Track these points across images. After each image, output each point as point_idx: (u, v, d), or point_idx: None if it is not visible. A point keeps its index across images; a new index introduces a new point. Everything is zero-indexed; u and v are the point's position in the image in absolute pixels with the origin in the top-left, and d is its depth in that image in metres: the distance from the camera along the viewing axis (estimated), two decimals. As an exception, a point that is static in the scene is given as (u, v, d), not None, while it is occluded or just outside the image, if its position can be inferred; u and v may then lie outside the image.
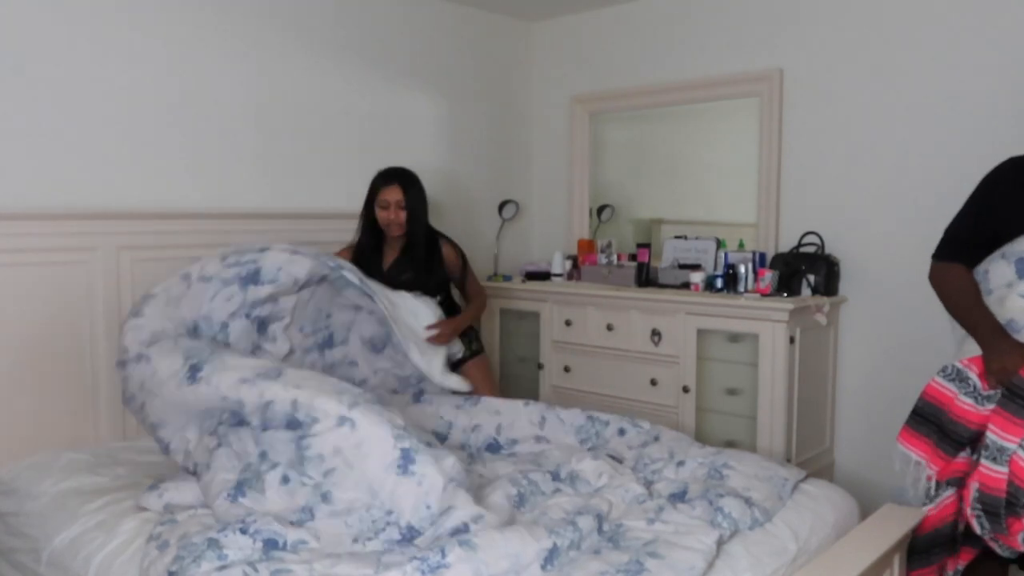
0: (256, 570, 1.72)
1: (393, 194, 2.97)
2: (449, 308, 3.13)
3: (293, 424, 2.07)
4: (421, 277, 3.04)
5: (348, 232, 3.40)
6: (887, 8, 3.15)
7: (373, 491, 1.97)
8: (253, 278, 2.52)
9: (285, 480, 2.01)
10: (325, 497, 1.98)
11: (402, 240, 3.06)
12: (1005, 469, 1.97)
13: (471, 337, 3.27)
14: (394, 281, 3.00)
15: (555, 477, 2.32)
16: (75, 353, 2.67)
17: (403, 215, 2.98)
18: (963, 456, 2.13)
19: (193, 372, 2.21)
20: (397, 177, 3.00)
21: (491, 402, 2.84)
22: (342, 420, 2.03)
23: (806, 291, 3.20)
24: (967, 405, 2.09)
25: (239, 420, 2.18)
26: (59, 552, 2.05)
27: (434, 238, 3.10)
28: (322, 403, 2.06)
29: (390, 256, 3.10)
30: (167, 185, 2.92)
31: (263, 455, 2.08)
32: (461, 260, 3.15)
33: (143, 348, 2.34)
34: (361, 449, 2.01)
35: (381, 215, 2.99)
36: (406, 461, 1.99)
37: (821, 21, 3.32)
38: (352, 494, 1.98)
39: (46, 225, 2.58)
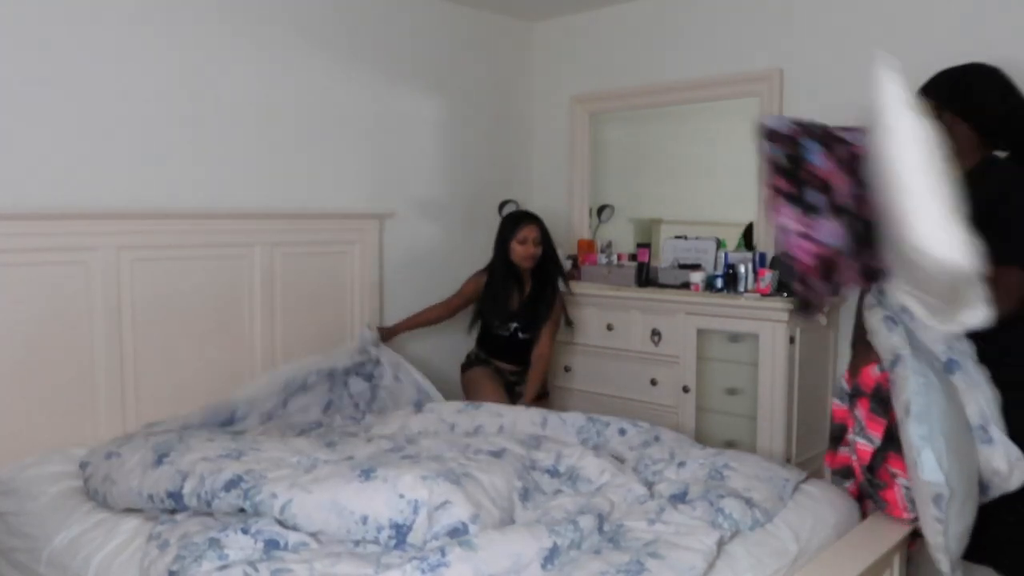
0: (256, 570, 1.72)
1: (532, 232, 3.35)
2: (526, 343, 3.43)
3: (235, 483, 2.01)
4: (542, 309, 3.38)
5: (348, 232, 3.41)
6: (887, 8, 3.15)
7: (339, 507, 1.91)
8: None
9: (244, 531, 1.86)
10: (291, 527, 1.91)
11: (530, 274, 3.41)
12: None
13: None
14: (523, 315, 3.38)
15: (553, 474, 2.31)
16: (75, 353, 2.66)
17: (539, 251, 3.35)
18: (844, 451, 2.32)
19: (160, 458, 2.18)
20: (535, 217, 3.41)
21: (493, 406, 2.93)
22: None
23: (806, 291, 3.19)
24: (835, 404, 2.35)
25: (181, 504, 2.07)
26: (59, 552, 2.05)
27: (556, 279, 3.44)
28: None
29: (520, 291, 3.42)
30: (167, 185, 2.92)
31: (210, 535, 1.87)
32: (561, 308, 3.47)
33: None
34: (318, 482, 1.99)
35: (520, 250, 3.33)
36: (367, 472, 2.01)
37: (821, 21, 3.32)
38: (319, 516, 1.91)
39: (46, 225, 2.57)
